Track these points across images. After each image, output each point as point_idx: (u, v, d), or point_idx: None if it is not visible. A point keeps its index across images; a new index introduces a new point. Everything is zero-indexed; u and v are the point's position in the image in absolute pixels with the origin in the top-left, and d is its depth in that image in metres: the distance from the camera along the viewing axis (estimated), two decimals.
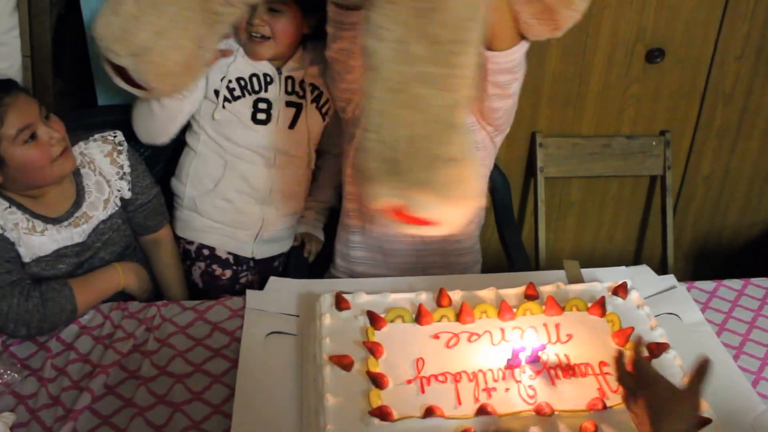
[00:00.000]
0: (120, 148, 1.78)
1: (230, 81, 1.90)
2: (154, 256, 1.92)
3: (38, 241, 1.63)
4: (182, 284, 1.95)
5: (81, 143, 1.75)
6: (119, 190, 1.78)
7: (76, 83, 2.18)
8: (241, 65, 1.91)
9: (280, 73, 1.93)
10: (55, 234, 1.66)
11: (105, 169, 1.76)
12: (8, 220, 1.60)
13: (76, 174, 1.72)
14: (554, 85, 2.33)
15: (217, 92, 1.90)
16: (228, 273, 2.02)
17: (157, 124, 1.88)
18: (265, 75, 1.93)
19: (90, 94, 2.11)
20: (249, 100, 1.91)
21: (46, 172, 1.58)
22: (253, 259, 2.06)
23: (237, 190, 1.97)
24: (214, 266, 2.01)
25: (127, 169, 1.78)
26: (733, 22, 2.31)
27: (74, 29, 2.07)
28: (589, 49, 2.30)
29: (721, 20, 2.31)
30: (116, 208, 1.78)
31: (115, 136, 1.79)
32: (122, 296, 1.75)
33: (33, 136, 1.55)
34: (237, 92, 1.91)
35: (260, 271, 2.08)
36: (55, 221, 1.66)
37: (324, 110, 1.99)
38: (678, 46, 2.32)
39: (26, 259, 1.63)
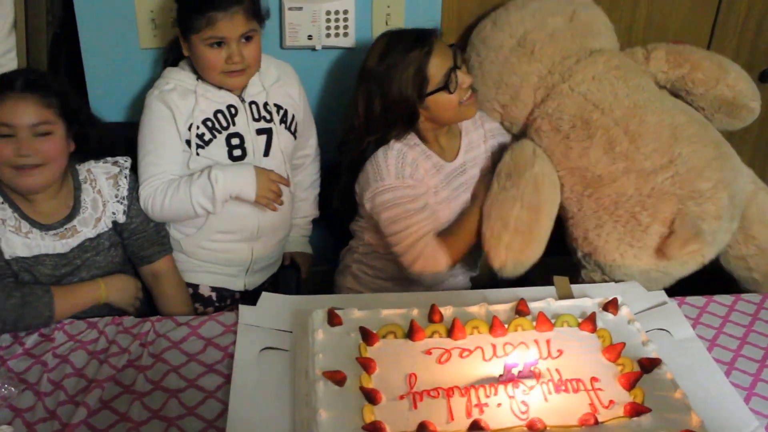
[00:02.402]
0: (126, 172, 1.80)
1: (198, 126, 1.85)
2: (155, 290, 1.88)
3: (20, 242, 1.66)
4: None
5: (92, 161, 1.77)
6: (114, 213, 1.79)
7: None
8: (204, 105, 1.86)
9: (243, 101, 1.89)
10: (38, 239, 1.68)
11: (104, 190, 1.77)
12: None
13: (77, 188, 1.75)
14: None
15: (189, 142, 1.85)
16: (210, 311, 1.99)
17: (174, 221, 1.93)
18: (229, 107, 1.88)
19: None
20: (221, 139, 1.87)
21: (4, 173, 1.62)
22: (240, 291, 2.04)
23: (224, 230, 1.93)
24: (197, 305, 1.99)
25: (125, 193, 1.79)
26: (722, 36, 2.35)
27: (69, 48, 2.09)
28: None
29: (710, 35, 2.35)
30: (106, 229, 1.78)
31: (126, 161, 1.81)
32: (114, 309, 1.76)
33: (8, 136, 1.59)
34: (207, 136, 1.86)
35: (248, 300, 2.01)
36: (43, 227, 1.69)
37: (293, 128, 1.97)
38: None
39: (6, 255, 1.66)
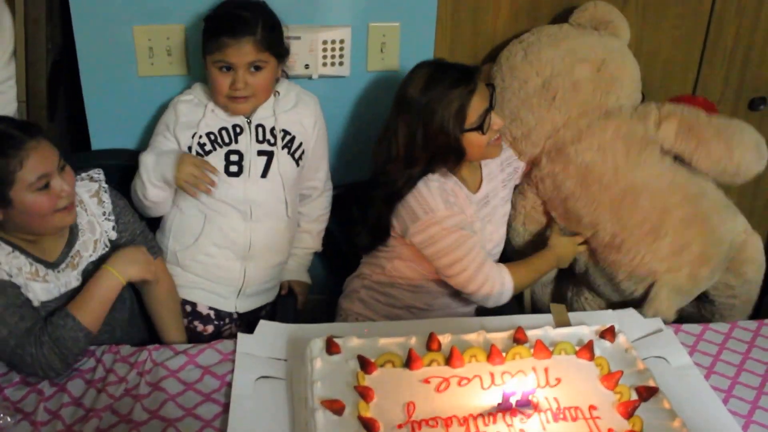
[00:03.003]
0: (105, 186, 1.78)
1: (200, 136, 1.91)
2: (147, 295, 1.86)
3: (40, 287, 1.63)
4: (178, 324, 1.89)
5: None
6: (106, 231, 1.76)
7: (70, 128, 2.21)
8: (211, 120, 1.92)
9: (249, 122, 1.93)
10: (54, 279, 1.65)
11: (93, 209, 1.74)
12: (12, 265, 1.59)
13: None
14: None
15: (190, 148, 1.91)
16: (210, 328, 2.00)
17: (150, 213, 1.96)
18: (235, 126, 1.93)
19: (84, 139, 2.14)
20: (220, 153, 1.91)
21: (47, 221, 1.58)
22: (236, 312, 2.05)
23: (217, 244, 1.95)
24: (196, 322, 2.00)
25: (109, 207, 1.76)
26: (711, 66, 2.38)
27: (68, 75, 2.10)
28: None
29: (699, 64, 2.38)
30: (105, 250, 1.76)
31: (98, 173, 1.78)
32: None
33: (46, 185, 1.55)
34: (208, 146, 1.91)
35: (245, 322, 2.05)
36: (53, 265, 1.65)
37: (297, 155, 1.98)
38: (657, 90, 2.37)
39: (34, 303, 1.62)
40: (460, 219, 1.87)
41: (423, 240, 1.87)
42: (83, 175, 1.75)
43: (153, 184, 1.88)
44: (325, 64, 2.12)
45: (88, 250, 1.73)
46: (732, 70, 2.40)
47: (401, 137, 1.86)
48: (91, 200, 1.74)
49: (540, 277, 2.07)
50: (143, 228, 1.86)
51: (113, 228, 1.77)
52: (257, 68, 1.85)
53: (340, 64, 2.13)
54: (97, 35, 2.01)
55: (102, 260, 1.72)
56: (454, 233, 1.85)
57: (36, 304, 1.62)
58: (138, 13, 2.00)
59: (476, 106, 1.84)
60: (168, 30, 2.02)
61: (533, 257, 2.02)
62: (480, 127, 1.84)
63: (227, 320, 2.03)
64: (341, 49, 2.11)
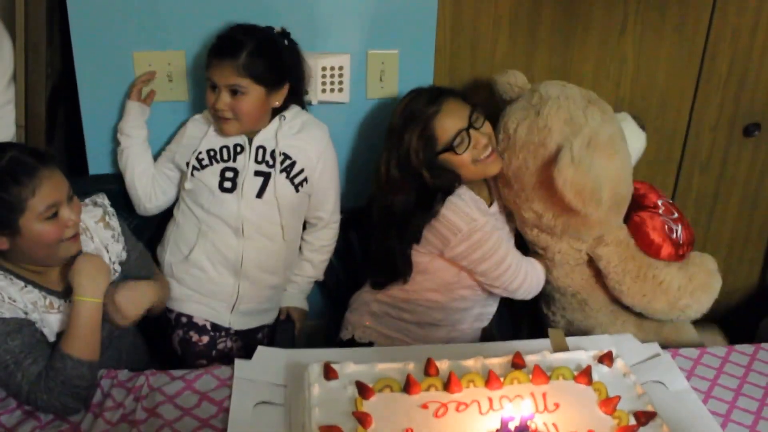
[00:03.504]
0: (110, 210, 1.78)
1: (200, 152, 1.97)
2: None
3: (55, 320, 1.61)
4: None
5: None
6: (118, 255, 1.75)
7: (68, 153, 2.21)
8: (213, 138, 1.98)
9: (251, 143, 1.97)
10: (68, 309, 1.61)
11: (101, 235, 1.73)
12: (27, 300, 1.57)
13: None
14: None
15: (188, 164, 1.97)
16: (205, 339, 2.01)
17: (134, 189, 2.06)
18: (236, 145, 1.97)
19: (81, 163, 2.14)
20: (216, 168, 1.96)
21: (52, 251, 1.57)
22: (231, 328, 2.05)
23: (210, 258, 1.98)
24: (191, 333, 2.00)
25: (117, 229, 1.76)
26: (706, 92, 2.40)
27: (68, 100, 2.11)
28: None
29: (695, 91, 2.40)
30: (116, 275, 1.74)
31: (102, 198, 1.78)
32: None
33: (54, 215, 1.54)
34: (205, 161, 1.97)
35: (242, 341, 2.06)
36: (64, 295, 1.63)
37: (297, 181, 1.99)
38: (654, 117, 2.40)
39: (51, 338, 1.60)
40: (493, 223, 1.94)
41: (465, 249, 1.89)
42: (86, 201, 1.75)
43: (121, 133, 2.04)
44: (324, 90, 2.14)
45: None
46: (727, 96, 2.42)
47: (382, 164, 1.92)
48: (97, 226, 1.73)
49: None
50: (142, 248, 1.88)
51: (123, 248, 1.77)
52: (235, 92, 1.88)
53: (340, 90, 2.15)
54: (97, 60, 2.03)
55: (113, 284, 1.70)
56: (494, 235, 1.91)
57: (52, 338, 1.60)
58: (138, 39, 2.02)
59: (445, 127, 1.87)
60: (169, 56, 2.04)
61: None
62: (451, 148, 1.86)
63: (223, 333, 2.03)
64: (340, 75, 2.13)
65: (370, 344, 2.00)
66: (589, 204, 1.81)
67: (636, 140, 2.07)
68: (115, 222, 1.77)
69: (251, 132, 1.96)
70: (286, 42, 1.96)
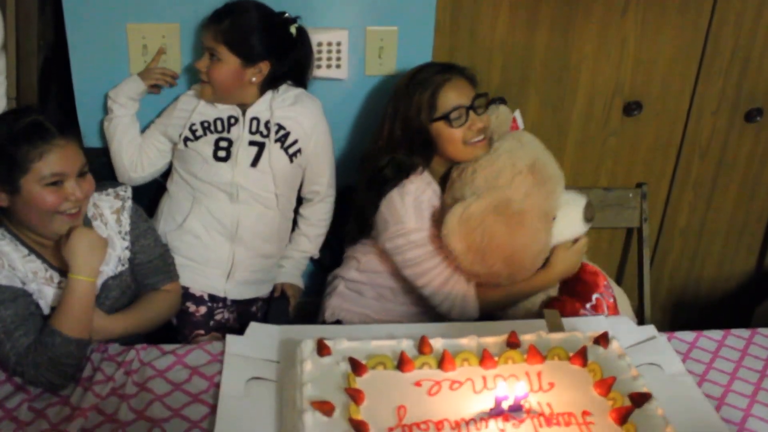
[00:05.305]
0: (129, 205, 1.76)
1: (193, 124, 1.97)
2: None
3: (52, 292, 1.61)
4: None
5: (95, 194, 1.69)
6: (121, 251, 1.74)
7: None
8: (205, 110, 1.98)
9: (244, 114, 1.97)
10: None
11: (111, 225, 1.73)
12: (28, 269, 1.57)
13: (88, 225, 1.68)
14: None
15: (180, 134, 1.99)
16: (202, 309, 2.02)
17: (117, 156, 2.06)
18: (230, 117, 1.98)
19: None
20: (210, 138, 1.97)
21: (45, 220, 1.56)
22: (228, 298, 2.05)
23: (204, 225, 2.00)
24: (188, 304, 2.01)
25: (126, 228, 1.75)
26: (708, 77, 2.38)
27: (60, 73, 2.09)
28: (567, 102, 2.35)
29: (696, 75, 2.38)
30: (125, 267, 1.74)
31: (125, 191, 1.77)
32: None
33: (58, 184, 1.54)
34: (199, 132, 1.97)
35: (238, 311, 2.08)
36: (65, 273, 1.61)
37: (291, 151, 2.00)
38: (655, 100, 2.38)
39: (46, 311, 1.60)
40: (430, 234, 1.88)
41: (390, 249, 1.90)
42: (110, 190, 1.75)
43: (115, 102, 2.01)
44: (319, 66, 2.11)
45: (108, 264, 1.71)
46: (729, 80, 2.40)
47: (386, 123, 1.92)
48: (112, 216, 1.74)
49: (523, 297, 1.95)
50: (163, 251, 1.86)
51: (127, 247, 1.76)
52: (212, 56, 1.90)
53: (337, 66, 2.13)
54: (90, 32, 2.00)
55: (121, 276, 1.73)
56: (420, 248, 1.88)
57: (47, 311, 1.60)
58: (131, 11, 1.99)
59: (450, 97, 1.86)
60: (163, 29, 2.01)
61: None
62: (447, 117, 1.85)
63: (220, 304, 2.04)
64: (338, 51, 2.11)
65: (338, 322, 2.01)
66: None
67: (566, 227, 1.94)
68: (126, 219, 1.75)
69: (241, 105, 1.97)
70: (293, 30, 1.95)
